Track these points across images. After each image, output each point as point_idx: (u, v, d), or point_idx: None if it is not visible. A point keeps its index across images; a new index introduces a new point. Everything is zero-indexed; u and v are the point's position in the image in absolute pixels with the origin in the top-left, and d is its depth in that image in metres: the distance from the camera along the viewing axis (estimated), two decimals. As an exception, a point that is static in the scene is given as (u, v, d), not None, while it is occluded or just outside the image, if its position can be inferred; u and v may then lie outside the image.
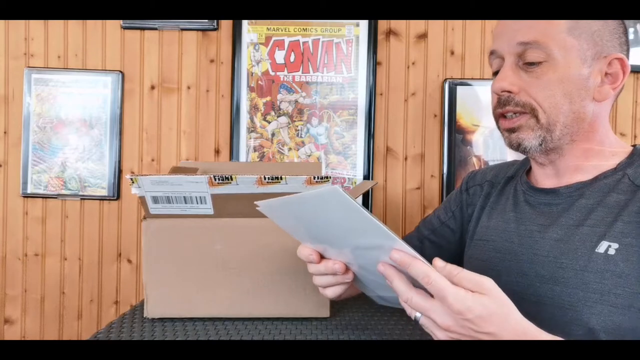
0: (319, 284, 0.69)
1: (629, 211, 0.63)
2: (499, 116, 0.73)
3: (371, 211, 1.40)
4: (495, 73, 0.73)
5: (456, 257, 0.90)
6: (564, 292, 0.65)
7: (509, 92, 0.70)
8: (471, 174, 0.95)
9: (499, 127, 0.75)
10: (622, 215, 0.64)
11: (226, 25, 1.41)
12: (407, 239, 1.00)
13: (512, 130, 0.71)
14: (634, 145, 0.72)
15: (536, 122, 0.69)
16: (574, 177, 0.72)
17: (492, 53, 0.73)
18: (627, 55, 0.70)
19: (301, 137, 1.40)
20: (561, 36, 0.66)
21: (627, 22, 1.37)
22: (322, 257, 0.67)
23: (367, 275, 0.65)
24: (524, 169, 0.82)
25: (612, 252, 0.62)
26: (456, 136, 1.38)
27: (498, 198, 0.83)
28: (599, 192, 0.68)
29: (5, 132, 1.43)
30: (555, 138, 0.69)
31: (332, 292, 0.69)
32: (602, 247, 0.63)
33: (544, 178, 0.75)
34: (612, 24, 0.68)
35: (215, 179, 0.76)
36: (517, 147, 0.71)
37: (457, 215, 0.92)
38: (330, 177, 0.76)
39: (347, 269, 0.66)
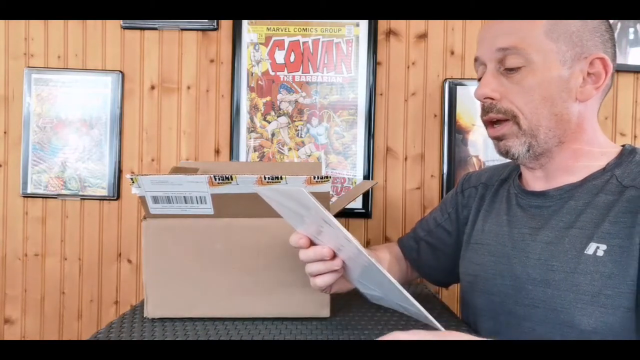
0: (309, 271, 0.69)
1: (616, 211, 0.64)
2: (485, 123, 0.74)
3: (371, 211, 1.40)
4: (480, 79, 0.74)
5: (451, 258, 0.91)
6: (555, 294, 0.65)
7: (491, 98, 0.70)
8: (466, 176, 0.95)
9: (490, 137, 0.76)
10: (610, 216, 0.64)
11: (226, 25, 1.41)
12: (404, 240, 1.00)
13: (498, 139, 0.72)
14: (622, 146, 0.72)
15: (518, 128, 0.69)
16: (563, 179, 0.72)
17: (476, 60, 0.74)
18: (614, 51, 0.69)
19: (301, 137, 1.40)
20: (539, 39, 0.66)
21: (627, 22, 1.37)
22: (312, 243, 0.67)
23: (354, 268, 0.66)
24: (517, 171, 0.82)
25: (600, 253, 0.62)
26: (456, 136, 1.38)
27: (492, 201, 0.83)
28: (588, 193, 0.68)
29: (5, 132, 1.43)
30: (541, 142, 0.69)
31: (322, 281, 0.68)
32: (590, 249, 0.63)
33: (534, 181, 0.76)
34: (591, 23, 0.68)
35: (215, 179, 0.76)
36: (506, 154, 0.72)
37: (452, 216, 0.92)
38: (330, 177, 0.76)
39: (335, 255, 0.66)
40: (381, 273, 0.56)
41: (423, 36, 1.41)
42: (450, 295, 1.38)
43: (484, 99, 0.71)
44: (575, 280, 0.63)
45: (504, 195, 0.81)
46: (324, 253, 0.65)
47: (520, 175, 0.81)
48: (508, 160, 0.92)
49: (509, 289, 0.71)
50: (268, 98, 1.40)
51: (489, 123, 0.73)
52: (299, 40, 1.39)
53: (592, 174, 0.69)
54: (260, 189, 0.65)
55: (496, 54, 0.69)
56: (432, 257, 0.94)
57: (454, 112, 1.38)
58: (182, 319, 0.84)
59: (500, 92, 0.69)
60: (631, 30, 1.38)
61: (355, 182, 1.39)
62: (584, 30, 0.67)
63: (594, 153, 0.71)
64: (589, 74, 0.68)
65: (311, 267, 0.68)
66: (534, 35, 0.67)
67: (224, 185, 0.77)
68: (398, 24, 1.41)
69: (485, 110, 0.72)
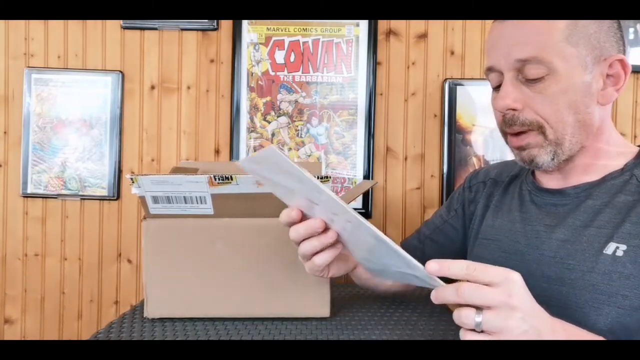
0: (302, 252, 0.63)
1: (637, 212, 0.63)
2: (505, 134, 0.72)
3: (371, 211, 1.40)
4: (496, 88, 0.71)
5: (458, 255, 0.90)
6: (570, 293, 0.64)
7: (513, 109, 0.68)
8: (474, 172, 0.94)
9: (507, 143, 0.73)
10: (631, 216, 0.63)
11: (226, 25, 1.41)
12: (407, 241, 1.00)
13: (521, 148, 0.70)
14: (639, 146, 0.71)
15: (544, 138, 0.67)
16: (581, 178, 0.71)
17: (489, 69, 0.70)
18: (625, 50, 0.69)
19: (301, 137, 1.40)
20: (559, 46, 0.64)
21: (627, 22, 1.37)
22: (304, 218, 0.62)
23: (351, 240, 0.62)
24: (526, 169, 0.81)
25: (620, 253, 0.62)
26: (456, 136, 1.38)
27: (502, 197, 0.82)
28: (607, 193, 0.67)
29: (5, 132, 1.43)
30: (566, 150, 0.68)
31: (321, 259, 0.63)
32: (609, 249, 0.62)
33: (550, 179, 0.75)
34: (606, 23, 0.67)
35: (215, 179, 0.76)
36: (529, 163, 0.70)
37: (459, 212, 0.91)
38: (330, 177, 0.76)
39: (327, 228, 0.62)
40: (369, 230, 0.52)
41: (423, 36, 1.41)
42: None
43: (506, 110, 0.68)
44: (592, 279, 0.63)
45: (516, 192, 0.80)
46: (315, 225, 0.60)
47: (533, 172, 0.79)
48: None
49: None
50: (268, 98, 1.40)
51: (511, 133, 0.70)
52: (299, 40, 1.39)
53: (610, 173, 0.69)
54: (241, 162, 0.59)
55: (514, 64, 0.66)
56: (438, 256, 0.92)
57: (454, 112, 1.38)
58: (182, 319, 0.84)
59: (523, 102, 0.67)
60: (631, 30, 1.38)
61: (355, 182, 1.39)
62: (600, 32, 0.66)
63: (611, 152, 0.70)
64: (607, 75, 0.67)
65: (304, 246, 0.63)
66: (554, 42, 0.64)
67: (224, 185, 0.77)
68: (398, 24, 1.41)
69: (507, 122, 0.69)
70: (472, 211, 0.88)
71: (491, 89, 0.73)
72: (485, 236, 0.80)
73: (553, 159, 0.68)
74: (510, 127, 0.69)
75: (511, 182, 0.83)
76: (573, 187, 0.71)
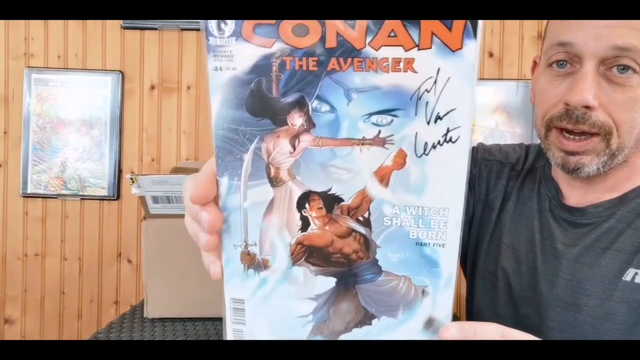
0: None
1: None
2: (550, 129, 0.60)
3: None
4: (557, 63, 0.59)
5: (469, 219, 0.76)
6: (587, 321, 0.60)
7: (587, 107, 0.56)
8: (481, 145, 0.79)
9: (547, 142, 0.62)
10: None
11: (226, 25, 1.41)
12: None
13: (574, 153, 0.59)
14: None
15: (606, 146, 0.57)
16: (603, 195, 0.64)
17: (562, 44, 0.58)
18: None
19: (301, 137, 1.40)
20: None
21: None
22: None
23: None
24: (541, 162, 0.72)
25: (639, 280, 0.57)
26: (456, 136, 1.38)
27: (520, 192, 0.72)
28: (630, 212, 0.61)
29: (5, 132, 1.43)
30: (613, 164, 0.59)
31: None
32: (629, 275, 0.58)
33: (572, 190, 0.66)
34: None
35: (215, 179, 0.76)
36: (573, 170, 0.59)
37: (475, 173, 0.76)
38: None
39: None
40: None
41: (423, 36, 1.41)
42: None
43: (582, 106, 0.56)
44: (611, 307, 0.58)
45: (534, 193, 0.71)
46: None
47: (549, 168, 0.70)
48: (518, 142, 0.78)
49: (534, 307, 0.65)
50: (268, 98, 1.40)
51: (562, 131, 0.59)
52: (299, 40, 1.39)
53: (632, 189, 0.62)
54: None
55: (608, 51, 0.54)
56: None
57: (454, 112, 1.38)
58: (182, 319, 0.84)
59: (600, 100, 0.56)
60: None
61: (355, 182, 1.39)
62: None
63: (639, 173, 0.63)
64: None
65: None
66: None
67: (224, 185, 0.77)
68: (398, 24, 1.41)
69: (573, 120, 0.57)
70: (483, 191, 0.75)
71: (542, 64, 0.62)
72: (500, 237, 0.72)
73: (598, 169, 0.58)
74: (576, 125, 0.57)
75: (527, 175, 0.73)
76: (594, 206, 0.64)
